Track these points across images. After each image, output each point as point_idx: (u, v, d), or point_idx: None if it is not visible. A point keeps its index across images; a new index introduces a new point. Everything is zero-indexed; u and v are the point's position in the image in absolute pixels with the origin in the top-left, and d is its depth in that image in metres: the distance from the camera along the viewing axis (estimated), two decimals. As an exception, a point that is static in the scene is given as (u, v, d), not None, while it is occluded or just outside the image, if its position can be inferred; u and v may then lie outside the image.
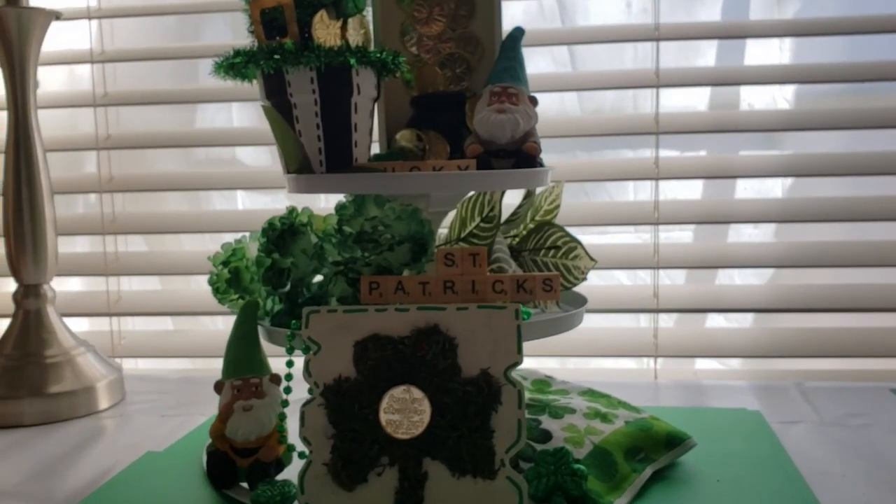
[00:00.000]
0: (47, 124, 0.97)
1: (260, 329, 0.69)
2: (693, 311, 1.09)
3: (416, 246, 0.68)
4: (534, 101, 0.71)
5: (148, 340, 1.18)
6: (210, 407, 0.85)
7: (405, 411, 0.57)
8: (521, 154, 0.69)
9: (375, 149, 0.76)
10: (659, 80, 1.04)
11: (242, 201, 1.20)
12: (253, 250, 0.73)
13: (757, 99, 1.08)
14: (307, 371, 0.59)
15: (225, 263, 0.73)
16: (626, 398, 0.77)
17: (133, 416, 0.91)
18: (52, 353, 0.92)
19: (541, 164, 0.71)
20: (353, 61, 0.66)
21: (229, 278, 0.73)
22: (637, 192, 1.12)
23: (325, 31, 0.67)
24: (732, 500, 0.63)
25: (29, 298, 0.93)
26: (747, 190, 1.10)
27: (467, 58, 0.78)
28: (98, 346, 0.99)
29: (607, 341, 1.09)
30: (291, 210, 0.71)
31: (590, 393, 0.76)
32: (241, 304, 0.70)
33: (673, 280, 1.11)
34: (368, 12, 0.73)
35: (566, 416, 0.68)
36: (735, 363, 1.10)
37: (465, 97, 0.77)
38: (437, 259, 0.63)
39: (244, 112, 1.18)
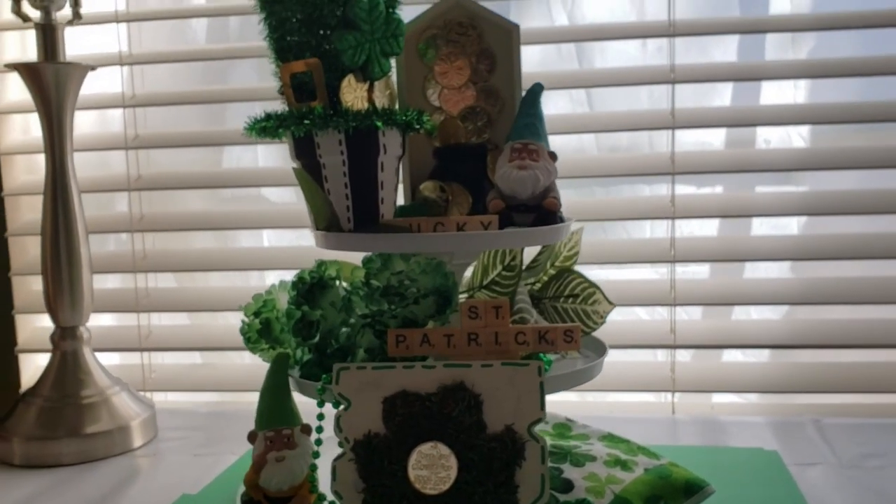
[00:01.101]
0: (80, 165, 1.00)
1: (290, 380, 0.72)
2: (710, 347, 1.10)
3: (441, 298, 0.70)
4: (553, 157, 0.74)
5: (177, 374, 1.21)
6: (239, 444, 0.88)
7: (433, 467, 0.59)
8: (541, 209, 0.72)
9: (400, 198, 0.79)
10: (675, 121, 1.06)
11: (268, 238, 1.23)
12: (283, 301, 0.76)
13: (772, 136, 1.10)
14: (338, 426, 0.61)
15: (256, 314, 0.76)
16: (645, 434, 0.79)
17: (166, 455, 0.94)
18: (88, 393, 0.95)
19: (561, 219, 0.73)
20: (379, 124, 0.69)
21: (260, 329, 0.76)
22: (654, 229, 1.14)
23: (353, 94, 0.70)
24: (750, 548, 0.65)
25: (66, 340, 0.97)
26: (763, 226, 1.11)
27: (488, 110, 0.80)
28: (129, 379, 1.03)
29: (625, 376, 1.10)
30: (320, 264, 0.74)
31: (609, 438, 0.78)
32: (273, 356, 0.73)
33: (690, 315, 1.13)
34: (392, 70, 0.76)
35: (587, 464, 0.70)
36: (753, 397, 1.12)
37: (486, 149, 0.79)
38: (461, 312, 0.65)
39: (269, 152, 1.22)
